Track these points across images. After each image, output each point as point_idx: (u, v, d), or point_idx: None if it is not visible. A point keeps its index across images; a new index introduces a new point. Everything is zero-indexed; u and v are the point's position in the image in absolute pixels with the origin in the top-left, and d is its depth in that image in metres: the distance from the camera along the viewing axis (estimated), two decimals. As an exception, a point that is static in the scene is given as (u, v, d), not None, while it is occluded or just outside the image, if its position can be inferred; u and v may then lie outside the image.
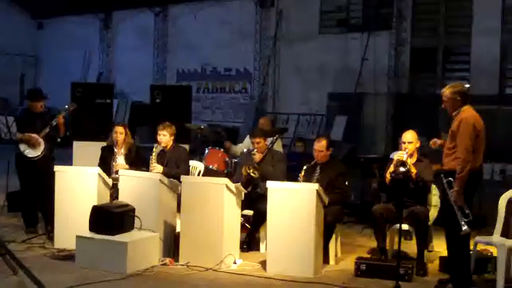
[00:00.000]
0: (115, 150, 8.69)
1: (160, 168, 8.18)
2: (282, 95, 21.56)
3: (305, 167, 7.61)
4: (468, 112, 6.33)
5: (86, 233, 6.97)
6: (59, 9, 26.01)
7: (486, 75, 16.95)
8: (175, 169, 8.23)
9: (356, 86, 18.95)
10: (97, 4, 24.88)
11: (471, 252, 6.69)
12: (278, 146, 9.78)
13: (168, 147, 8.48)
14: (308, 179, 7.57)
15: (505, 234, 7.04)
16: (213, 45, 22.48)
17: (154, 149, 8.37)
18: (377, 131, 18.97)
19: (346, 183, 7.93)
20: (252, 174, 8.05)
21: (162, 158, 8.44)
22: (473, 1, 17.73)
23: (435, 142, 6.73)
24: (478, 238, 6.97)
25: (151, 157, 8.30)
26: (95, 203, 7.34)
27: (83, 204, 7.43)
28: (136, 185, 7.57)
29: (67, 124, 9.07)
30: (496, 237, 6.93)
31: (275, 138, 8.76)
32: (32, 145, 8.40)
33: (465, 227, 6.06)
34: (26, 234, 8.23)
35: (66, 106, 8.89)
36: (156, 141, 8.53)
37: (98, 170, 7.85)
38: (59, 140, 8.72)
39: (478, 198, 7.17)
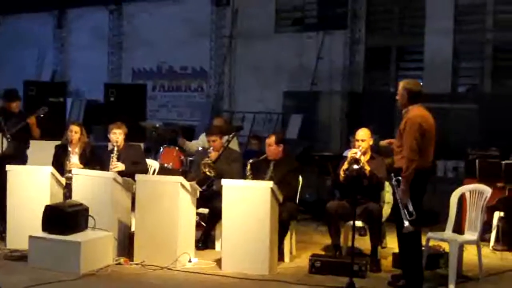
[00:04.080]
0: (70, 149, 8.60)
1: (121, 166, 8.11)
2: (238, 93, 21.55)
3: (250, 161, 7.67)
4: (415, 112, 6.40)
5: (39, 233, 6.90)
6: (12, 6, 25.58)
7: (439, 74, 17.18)
8: (134, 167, 8.14)
9: (312, 84, 19.06)
10: (51, 2, 24.54)
11: (423, 248, 6.80)
12: (234, 145, 9.79)
13: (121, 146, 8.43)
14: (258, 175, 7.61)
15: (456, 230, 7.19)
16: (169, 44, 22.33)
17: (115, 148, 8.29)
18: (332, 129, 19.09)
19: (300, 179, 7.96)
20: (208, 173, 8.05)
21: (117, 157, 8.38)
22: (426, 1, 17.97)
23: (384, 141, 6.82)
24: (430, 234, 7.08)
25: (112, 155, 8.22)
26: (48, 203, 7.27)
27: (36, 203, 7.35)
28: (90, 184, 7.51)
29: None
30: (448, 233, 7.06)
31: (230, 136, 8.76)
32: None
33: (406, 225, 6.16)
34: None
35: (40, 109, 8.90)
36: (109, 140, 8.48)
37: (51, 169, 7.77)
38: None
39: (431, 195, 7.27)
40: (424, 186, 6.51)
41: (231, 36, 21.49)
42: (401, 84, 6.58)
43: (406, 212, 6.19)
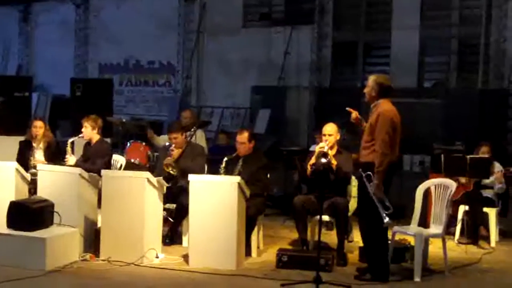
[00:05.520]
0: (34, 144, 8.51)
1: (72, 160, 8.05)
2: (206, 88, 21.50)
3: (225, 159, 7.63)
4: (386, 106, 6.47)
5: (4, 229, 6.81)
6: (-23, 0, 25.23)
7: (405, 69, 17.32)
8: (89, 164, 8.07)
9: (279, 79, 19.09)
10: (16, -5, 24.29)
11: (389, 242, 6.86)
12: (202, 140, 9.77)
13: (94, 141, 8.35)
14: (230, 171, 7.59)
15: (422, 224, 7.26)
16: (136, 38, 22.17)
17: (68, 142, 8.23)
18: (300, 124, 19.16)
19: (268, 175, 7.99)
20: (171, 172, 8.01)
21: (87, 151, 8.32)
22: (393, -4, 18.15)
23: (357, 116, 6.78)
24: (396, 228, 7.14)
25: (67, 148, 8.16)
26: (13, 199, 7.18)
27: (0, 200, 7.24)
28: (56, 180, 7.43)
29: None
30: (413, 227, 7.12)
31: (192, 131, 8.70)
32: None
33: (386, 219, 6.20)
34: None
35: None
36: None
37: (16, 165, 7.68)
38: None
39: (397, 189, 7.34)
40: (390, 179, 6.57)
41: (199, 31, 21.43)
42: (372, 78, 6.64)
43: (383, 207, 6.23)
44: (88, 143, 8.39)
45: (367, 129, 6.52)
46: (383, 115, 6.39)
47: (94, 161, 8.15)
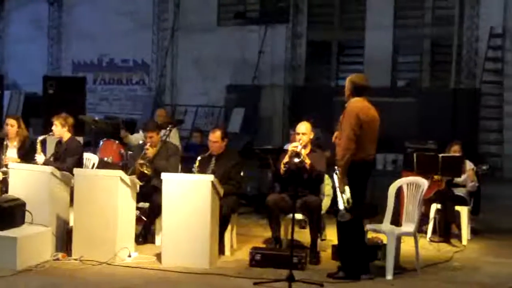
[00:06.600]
0: (6, 143, 8.43)
1: (41, 159, 8.00)
2: (180, 87, 21.45)
3: (199, 158, 7.60)
4: (354, 104, 6.53)
5: (-26, 228, 6.74)
6: None
7: (379, 68, 17.43)
8: (59, 163, 8.00)
9: (254, 78, 19.10)
10: (-13, -8, 24.03)
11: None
12: (175, 138, 9.74)
13: (65, 139, 8.29)
14: (203, 170, 7.57)
15: (394, 222, 7.30)
16: (110, 36, 22.04)
17: (38, 140, 8.18)
18: (274, 123, 19.20)
19: (242, 173, 7.99)
20: (145, 171, 7.97)
21: (58, 150, 8.26)
22: (367, -4, 18.26)
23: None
24: (369, 226, 7.17)
25: (36, 146, 8.10)
26: (-16, 198, 7.10)
27: (-30, 199, 7.17)
28: (27, 179, 7.36)
29: None
30: (386, 225, 7.16)
31: (168, 130, 8.69)
32: None
33: (342, 212, 6.26)
34: None
35: None
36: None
37: (-14, 163, 7.60)
38: None
39: (370, 187, 7.37)
40: (366, 179, 6.62)
41: (173, 29, 21.36)
42: (349, 77, 6.71)
43: (343, 200, 6.30)
44: (59, 142, 8.32)
45: (339, 127, 6.59)
46: (348, 112, 6.48)
47: (64, 160, 8.07)
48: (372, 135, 6.57)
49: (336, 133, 6.71)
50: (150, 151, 8.12)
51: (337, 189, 6.40)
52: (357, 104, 6.51)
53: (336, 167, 6.53)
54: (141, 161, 8.00)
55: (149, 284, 6.38)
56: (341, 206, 6.31)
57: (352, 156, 6.34)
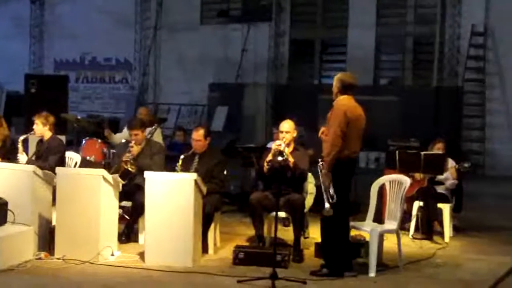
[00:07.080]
0: (-11, 142, 8.37)
1: (23, 159, 7.96)
2: (163, 85, 21.43)
3: (182, 157, 7.58)
4: (342, 101, 6.59)
5: (-45, 228, 6.70)
6: None
7: (361, 66, 17.48)
8: (41, 161, 7.96)
9: (237, 76, 19.11)
10: (-32, -10, 23.85)
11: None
12: (158, 137, 9.72)
13: (46, 138, 8.24)
14: (186, 168, 7.56)
15: (377, 219, 7.33)
16: (92, 34, 21.98)
17: (19, 139, 8.13)
18: (257, 121, 19.22)
19: (225, 172, 7.99)
20: (129, 169, 7.95)
21: (39, 148, 8.21)
22: (349, -5, 18.33)
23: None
24: (351, 223, 7.17)
25: (18, 146, 8.05)
26: (-35, 197, 7.05)
27: (-49, 198, 7.11)
28: (9, 178, 7.30)
29: None
30: (369, 222, 7.19)
31: (153, 128, 8.68)
32: None
33: (326, 207, 6.31)
34: None
35: None
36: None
37: (-32, 162, 7.54)
38: None
39: (352, 185, 7.39)
40: (350, 176, 6.67)
41: (156, 28, 21.32)
42: (337, 75, 6.76)
43: (327, 196, 6.34)
44: (40, 140, 8.28)
45: (326, 124, 6.62)
46: (336, 110, 6.55)
47: (46, 158, 8.03)
48: (357, 133, 6.63)
49: (322, 129, 6.73)
50: (135, 149, 8.10)
51: (322, 185, 6.42)
52: (345, 102, 6.57)
53: (320, 163, 6.56)
54: (126, 159, 7.98)
55: (133, 283, 6.36)
56: (326, 202, 6.34)
57: (338, 153, 6.38)
